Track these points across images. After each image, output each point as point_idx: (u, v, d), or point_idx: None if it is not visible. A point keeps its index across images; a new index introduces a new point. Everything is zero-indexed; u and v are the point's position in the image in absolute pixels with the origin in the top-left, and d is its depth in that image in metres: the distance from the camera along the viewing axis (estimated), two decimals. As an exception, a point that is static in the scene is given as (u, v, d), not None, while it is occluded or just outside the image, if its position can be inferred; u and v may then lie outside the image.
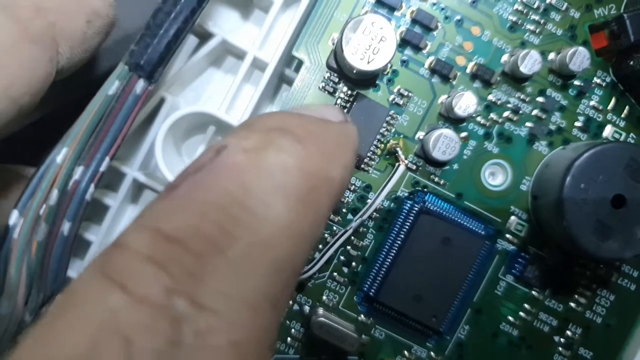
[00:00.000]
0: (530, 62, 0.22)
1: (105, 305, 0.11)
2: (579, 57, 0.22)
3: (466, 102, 0.22)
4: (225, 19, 0.25)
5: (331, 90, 0.22)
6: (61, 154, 0.17)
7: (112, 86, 0.18)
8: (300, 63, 0.22)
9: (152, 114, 0.24)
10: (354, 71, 0.21)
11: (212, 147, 0.15)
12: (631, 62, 0.22)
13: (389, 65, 0.22)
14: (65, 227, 0.18)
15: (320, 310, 0.22)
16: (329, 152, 0.15)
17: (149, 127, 0.24)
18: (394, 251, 0.22)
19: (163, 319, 0.11)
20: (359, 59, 0.20)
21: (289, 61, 0.24)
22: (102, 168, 0.18)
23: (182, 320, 0.11)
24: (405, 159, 0.22)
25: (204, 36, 0.24)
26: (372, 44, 0.20)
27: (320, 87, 0.22)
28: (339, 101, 0.23)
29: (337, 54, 0.21)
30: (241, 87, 0.24)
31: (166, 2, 0.18)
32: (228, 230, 0.13)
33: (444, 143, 0.21)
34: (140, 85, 0.18)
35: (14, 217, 0.17)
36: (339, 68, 0.22)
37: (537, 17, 0.23)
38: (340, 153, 0.15)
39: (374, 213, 0.23)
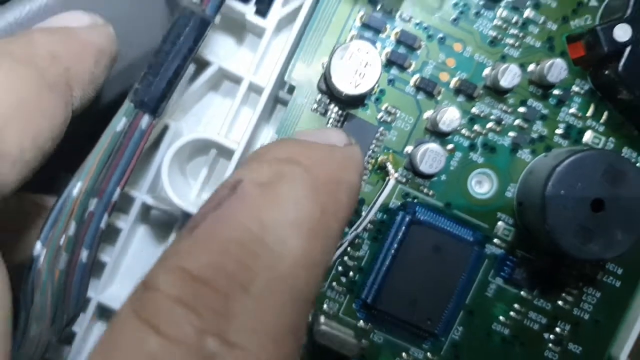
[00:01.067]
0: (509, 76, 0.23)
1: (144, 350, 0.12)
2: (556, 69, 0.23)
3: (450, 117, 0.23)
4: (221, 46, 0.27)
5: (323, 111, 0.24)
6: (77, 188, 0.19)
7: (119, 123, 0.19)
8: (293, 87, 0.24)
9: (157, 139, 0.25)
10: (343, 95, 0.22)
11: (227, 182, 0.15)
12: (606, 72, 0.23)
13: (376, 85, 0.23)
14: (84, 254, 0.19)
15: (322, 319, 0.24)
16: (335, 177, 0.16)
17: (155, 152, 0.25)
18: (389, 260, 0.24)
19: (196, 359, 0.12)
20: (347, 84, 0.22)
21: (283, 83, 0.26)
22: (114, 198, 0.20)
23: (214, 359, 0.12)
24: (395, 172, 0.24)
25: (202, 63, 0.25)
26: (359, 69, 0.22)
27: (313, 109, 0.24)
28: (330, 121, 0.24)
29: (326, 78, 0.23)
30: (239, 110, 0.25)
31: (165, 42, 0.20)
32: (249, 267, 0.14)
33: (430, 157, 0.23)
34: (145, 120, 0.20)
35: (37, 248, 0.18)
36: (329, 91, 0.23)
37: (516, 31, 0.24)
38: (346, 176, 0.16)
39: (369, 225, 0.24)
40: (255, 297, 0.13)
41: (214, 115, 0.27)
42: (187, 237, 0.15)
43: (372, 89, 0.22)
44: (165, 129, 0.25)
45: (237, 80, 0.25)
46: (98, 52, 0.19)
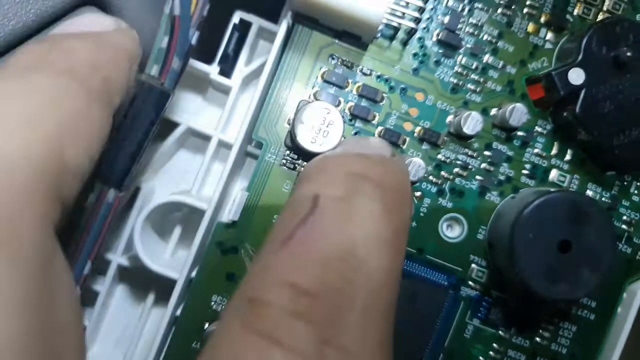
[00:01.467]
0: (472, 124, 0.24)
1: None
2: (517, 113, 0.24)
3: (415, 168, 0.23)
4: (189, 103, 0.27)
5: (291, 166, 0.24)
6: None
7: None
8: (261, 144, 0.24)
9: (130, 200, 0.26)
10: (308, 152, 0.22)
11: (304, 196, 0.16)
12: (565, 114, 0.24)
13: (342, 138, 0.24)
14: (56, 332, 0.19)
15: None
16: (400, 193, 0.17)
17: (128, 213, 0.25)
18: (365, 309, 0.24)
19: None
20: (311, 143, 0.22)
21: (251, 139, 0.26)
22: (86, 271, 0.20)
23: None
24: (366, 223, 0.24)
25: (170, 124, 0.26)
26: (322, 128, 0.22)
27: (282, 164, 0.24)
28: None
29: (292, 136, 0.23)
30: (210, 166, 0.26)
31: (126, 117, 0.20)
32: (351, 280, 0.15)
33: (399, 207, 0.23)
34: (111, 194, 0.20)
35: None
36: (296, 147, 0.23)
37: (476, 77, 0.25)
38: (404, 192, 0.18)
39: (343, 275, 0.24)
40: (363, 309, 0.14)
41: (186, 171, 0.27)
42: (282, 252, 0.15)
43: (337, 145, 0.22)
44: (136, 191, 0.25)
45: (206, 138, 0.26)
46: (130, 58, 0.19)
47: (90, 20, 0.19)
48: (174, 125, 0.25)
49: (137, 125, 0.20)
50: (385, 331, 0.15)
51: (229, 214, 0.24)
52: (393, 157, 0.19)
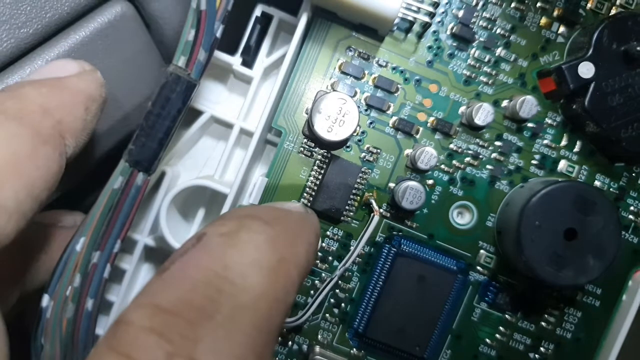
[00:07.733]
0: (483, 115, 0.24)
1: None
2: (528, 105, 0.25)
3: (427, 157, 0.24)
4: (212, 92, 0.28)
5: (309, 154, 0.25)
6: (80, 243, 0.21)
7: (116, 181, 0.21)
8: (280, 132, 0.25)
9: (156, 183, 0.27)
10: (325, 141, 0.24)
11: (194, 235, 0.17)
12: (574, 106, 0.25)
13: (358, 127, 0.25)
14: (89, 303, 0.21)
15: (317, 349, 0.25)
16: (293, 231, 0.18)
17: (154, 196, 0.27)
18: (377, 291, 0.25)
19: None
20: (327, 132, 0.23)
21: (271, 127, 0.27)
22: (115, 249, 0.21)
23: None
24: (379, 208, 0.25)
25: (194, 112, 0.27)
26: (338, 118, 0.23)
27: (299, 152, 0.25)
28: (317, 162, 0.25)
29: (309, 125, 0.24)
30: (232, 152, 0.27)
31: (155, 105, 0.21)
32: (214, 299, 0.15)
33: (411, 194, 0.24)
34: (140, 177, 0.21)
35: (45, 300, 0.20)
36: (313, 136, 0.25)
37: (489, 70, 0.26)
38: (303, 233, 0.18)
39: (357, 258, 0.25)
40: (220, 323, 0.15)
41: (209, 157, 0.29)
42: (157, 279, 0.16)
43: (352, 134, 0.24)
44: (162, 175, 0.27)
45: (228, 126, 0.27)
46: (88, 100, 0.20)
47: (55, 66, 0.20)
48: (198, 113, 0.27)
49: (164, 113, 0.21)
50: (250, 348, 0.15)
51: (249, 197, 0.25)
52: (304, 212, 0.20)
